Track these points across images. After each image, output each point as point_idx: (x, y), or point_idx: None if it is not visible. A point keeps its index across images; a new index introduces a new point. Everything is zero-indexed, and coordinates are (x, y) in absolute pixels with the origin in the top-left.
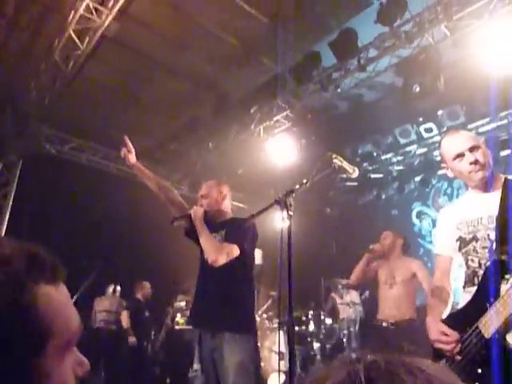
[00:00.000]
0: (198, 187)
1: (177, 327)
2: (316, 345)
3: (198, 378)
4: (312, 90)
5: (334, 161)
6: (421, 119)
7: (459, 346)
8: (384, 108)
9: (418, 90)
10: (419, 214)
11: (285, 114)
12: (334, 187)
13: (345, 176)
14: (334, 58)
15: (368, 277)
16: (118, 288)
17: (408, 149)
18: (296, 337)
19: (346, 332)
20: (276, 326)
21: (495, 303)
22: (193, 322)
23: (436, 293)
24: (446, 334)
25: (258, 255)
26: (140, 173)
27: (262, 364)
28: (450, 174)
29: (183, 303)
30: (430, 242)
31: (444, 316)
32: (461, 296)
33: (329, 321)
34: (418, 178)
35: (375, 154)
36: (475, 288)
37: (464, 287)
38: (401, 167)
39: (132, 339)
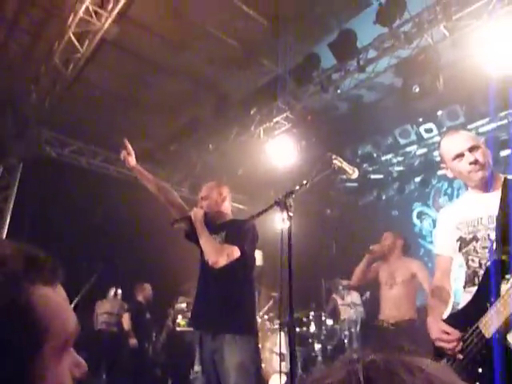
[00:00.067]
0: (198, 189)
1: (178, 329)
2: (317, 346)
3: (199, 379)
4: (312, 92)
5: (334, 162)
6: (420, 119)
7: (460, 344)
8: (384, 109)
9: (417, 90)
10: (420, 215)
11: (285, 115)
12: (334, 188)
13: (345, 177)
14: (333, 59)
15: (369, 278)
16: (119, 291)
17: (408, 149)
18: (297, 338)
19: (347, 333)
20: (277, 327)
21: (496, 303)
22: (194, 324)
23: (436, 293)
24: (448, 333)
25: (258, 256)
26: (140, 175)
27: (263, 365)
28: (450, 175)
29: (184, 305)
30: (431, 243)
31: (444, 316)
32: (461, 296)
33: (330, 322)
34: (418, 179)
35: (375, 155)
36: (476, 288)
37: (464, 287)
38: (401, 168)
39: (133, 341)
